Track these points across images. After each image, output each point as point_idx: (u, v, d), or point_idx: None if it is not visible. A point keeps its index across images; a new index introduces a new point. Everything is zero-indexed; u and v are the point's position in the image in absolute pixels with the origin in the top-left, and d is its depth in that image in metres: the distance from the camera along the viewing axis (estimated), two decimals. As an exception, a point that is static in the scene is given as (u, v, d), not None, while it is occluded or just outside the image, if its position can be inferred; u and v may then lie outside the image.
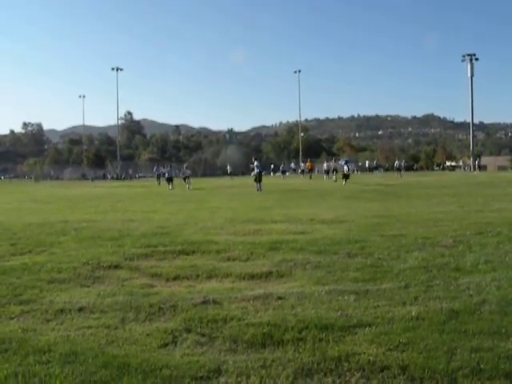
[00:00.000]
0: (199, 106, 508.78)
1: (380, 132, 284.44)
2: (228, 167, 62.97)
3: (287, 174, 62.50)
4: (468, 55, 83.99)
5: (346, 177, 36.92)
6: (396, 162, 58.62)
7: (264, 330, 4.69)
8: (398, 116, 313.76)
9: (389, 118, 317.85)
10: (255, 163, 29.92)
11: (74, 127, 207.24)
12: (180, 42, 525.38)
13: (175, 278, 6.96)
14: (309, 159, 62.88)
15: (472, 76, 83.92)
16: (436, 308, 5.30)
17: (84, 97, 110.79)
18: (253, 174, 33.44)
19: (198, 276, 7.06)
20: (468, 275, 6.74)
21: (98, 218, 14.82)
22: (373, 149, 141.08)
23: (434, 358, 4.01)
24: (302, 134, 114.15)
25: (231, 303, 5.65)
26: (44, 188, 49.36)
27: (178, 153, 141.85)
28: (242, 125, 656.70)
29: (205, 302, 5.64)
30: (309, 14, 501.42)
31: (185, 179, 38.78)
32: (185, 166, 43.60)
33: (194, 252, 8.82)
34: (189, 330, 4.78)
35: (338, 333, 4.64)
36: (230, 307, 5.50)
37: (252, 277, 6.94)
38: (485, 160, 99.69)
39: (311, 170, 58.39)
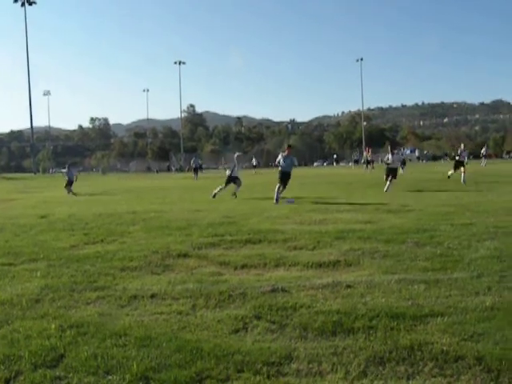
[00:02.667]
0: (261, 97, 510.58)
1: (445, 120, 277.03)
2: (253, 160, 61.53)
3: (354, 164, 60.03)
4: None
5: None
6: (483, 148, 54.19)
7: (334, 318, 4.68)
8: (465, 103, 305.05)
9: (455, 105, 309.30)
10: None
11: (139, 121, 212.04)
12: (241, 34, 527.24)
13: (243, 267, 7.03)
14: (367, 148, 58.50)
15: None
16: (511, 298, 5.14)
17: (148, 91, 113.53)
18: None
19: (265, 264, 7.10)
20: (545, 265, 6.50)
21: (166, 209, 15.12)
22: (438, 137, 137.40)
23: (511, 349, 3.90)
24: (365, 124, 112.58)
25: (300, 291, 5.66)
26: (111, 180, 50.85)
27: (240, 144, 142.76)
28: (304, 115, 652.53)
29: (274, 290, 5.67)
30: (368, 2, 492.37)
31: (195, 170, 39.09)
32: (195, 157, 43.85)
33: (260, 241, 8.88)
34: (259, 317, 4.82)
35: (410, 322, 4.57)
36: (298, 295, 5.51)
37: (319, 265, 6.93)
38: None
39: (368, 161, 50.56)
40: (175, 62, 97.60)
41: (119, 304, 5.42)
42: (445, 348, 3.97)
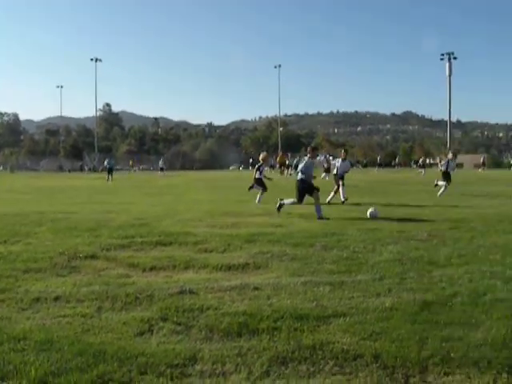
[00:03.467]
0: (178, 99, 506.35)
1: (359, 128, 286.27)
2: (160, 162, 59.22)
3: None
4: (446, 54, 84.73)
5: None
6: (421, 158, 56.86)
7: (240, 320, 4.72)
8: (377, 113, 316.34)
9: (368, 115, 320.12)
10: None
11: (52, 118, 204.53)
12: (159, 35, 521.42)
13: (152, 269, 6.96)
14: (280, 152, 58.30)
15: (450, 75, 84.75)
16: (409, 299, 5.39)
17: (62, 87, 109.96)
18: None
19: (174, 267, 7.07)
20: (441, 268, 6.86)
21: (75, 210, 14.71)
22: (351, 145, 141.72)
23: (405, 347, 4.08)
24: (281, 129, 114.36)
25: (207, 293, 5.68)
26: (19, 179, 48.82)
27: (156, 145, 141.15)
28: (222, 119, 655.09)
29: (181, 292, 5.66)
30: (289, 9, 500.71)
31: (109, 171, 38.70)
32: (109, 157, 43.41)
33: (171, 243, 8.83)
34: (165, 319, 4.79)
35: (313, 322, 4.69)
36: (206, 297, 5.53)
37: (229, 268, 6.98)
38: (462, 158, 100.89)
39: (283, 165, 50.35)
40: (91, 59, 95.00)
41: (20, 307, 5.22)
42: (345, 347, 4.10)
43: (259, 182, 17.99)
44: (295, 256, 7.65)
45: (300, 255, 7.71)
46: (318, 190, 12.91)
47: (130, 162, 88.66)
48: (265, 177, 18.06)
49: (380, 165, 58.33)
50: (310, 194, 12.87)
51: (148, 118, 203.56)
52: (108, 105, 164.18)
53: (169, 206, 15.80)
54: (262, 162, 18.61)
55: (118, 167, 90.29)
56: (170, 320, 4.78)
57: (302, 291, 5.73)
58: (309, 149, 13.78)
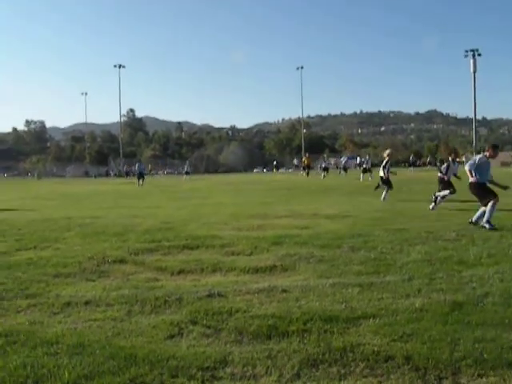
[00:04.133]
0: (202, 103, 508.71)
1: (382, 128, 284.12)
2: (186, 166, 59.46)
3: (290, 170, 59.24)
4: (471, 50, 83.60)
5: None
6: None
7: (269, 322, 4.72)
8: (401, 112, 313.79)
9: (391, 115, 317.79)
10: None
11: (77, 125, 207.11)
12: (182, 40, 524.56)
13: (180, 272, 7.00)
14: (306, 154, 57.99)
15: (475, 71, 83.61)
16: (439, 300, 5.33)
17: (86, 94, 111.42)
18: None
19: (202, 270, 7.10)
20: (471, 268, 6.78)
21: (102, 214, 14.87)
22: (375, 145, 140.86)
23: (437, 348, 4.04)
24: (305, 131, 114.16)
25: (236, 296, 5.69)
26: (47, 185, 49.48)
27: (180, 150, 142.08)
28: (245, 122, 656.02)
29: (210, 295, 5.68)
30: (310, 10, 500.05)
31: (139, 176, 38.34)
32: (138, 161, 43.08)
33: (198, 247, 8.87)
34: (195, 322, 4.81)
35: (343, 324, 4.67)
36: (234, 300, 5.54)
37: (256, 270, 6.98)
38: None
39: (308, 167, 51.49)
40: (115, 66, 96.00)
41: (52, 311, 5.29)
42: (375, 349, 4.08)
43: (385, 181, 17.92)
44: (322, 258, 7.62)
45: (327, 257, 7.68)
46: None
47: (149, 166, 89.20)
48: (391, 173, 17.96)
49: (414, 164, 58.84)
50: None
51: (171, 123, 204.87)
52: (132, 110, 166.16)
53: (194, 210, 15.88)
54: (387, 158, 18.35)
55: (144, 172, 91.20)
56: (199, 323, 4.80)
57: (331, 293, 5.70)
58: (487, 147, 11.53)
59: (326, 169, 45.47)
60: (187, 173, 56.51)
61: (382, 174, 18.05)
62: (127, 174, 71.14)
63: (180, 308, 5.28)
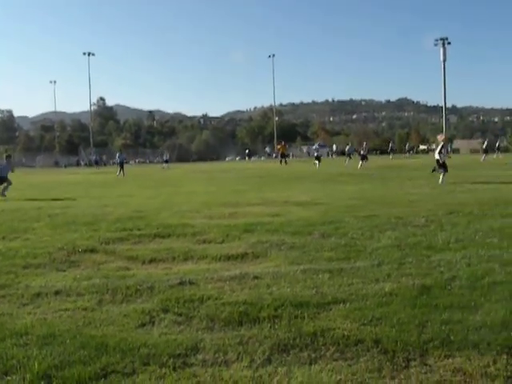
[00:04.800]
0: (173, 91, 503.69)
1: (354, 116, 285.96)
2: (164, 155, 59.47)
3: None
4: (440, 39, 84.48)
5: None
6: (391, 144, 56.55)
7: (240, 309, 4.75)
8: (372, 100, 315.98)
9: (363, 103, 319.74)
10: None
11: (46, 114, 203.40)
12: (151, 26, 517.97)
13: (151, 261, 6.98)
14: (282, 142, 55.83)
15: (444, 60, 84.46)
16: (408, 284, 5.42)
17: (55, 82, 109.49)
18: None
19: (173, 258, 7.10)
20: (439, 253, 6.90)
21: (73, 204, 14.72)
22: (347, 133, 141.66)
23: (405, 331, 4.11)
24: (277, 119, 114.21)
25: (207, 283, 5.70)
26: (16, 175, 48.65)
27: (152, 138, 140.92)
28: (217, 110, 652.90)
29: (181, 283, 5.68)
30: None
31: (120, 165, 36.49)
32: (119, 151, 41.57)
33: (169, 235, 8.86)
34: (166, 310, 4.81)
35: (313, 310, 4.72)
36: (206, 287, 5.55)
37: (228, 258, 7.00)
38: (458, 143, 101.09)
39: (283, 155, 49.28)
40: (84, 53, 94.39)
41: (21, 302, 5.23)
42: (346, 333, 4.13)
43: (441, 164, 18.40)
44: (294, 244, 7.68)
45: (298, 244, 7.74)
46: None
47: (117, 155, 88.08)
48: (448, 156, 18.47)
49: (392, 150, 59.10)
50: None
51: (143, 111, 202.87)
52: (102, 99, 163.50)
53: (166, 199, 15.81)
54: (442, 143, 19.07)
55: (114, 161, 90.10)
56: (170, 311, 4.80)
57: (302, 279, 5.76)
58: None
59: (318, 158, 40.97)
60: (166, 161, 56.61)
61: (437, 157, 18.84)
62: (97, 163, 70.11)
63: (151, 296, 5.28)
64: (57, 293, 5.50)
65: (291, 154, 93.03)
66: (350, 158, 44.12)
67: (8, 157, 21.29)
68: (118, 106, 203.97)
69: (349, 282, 5.57)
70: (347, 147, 49.91)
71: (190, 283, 5.71)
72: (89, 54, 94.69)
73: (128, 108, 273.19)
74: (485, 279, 5.57)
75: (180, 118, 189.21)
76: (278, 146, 53.87)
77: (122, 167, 35.92)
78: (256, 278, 5.88)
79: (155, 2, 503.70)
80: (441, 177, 18.38)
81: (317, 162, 38.12)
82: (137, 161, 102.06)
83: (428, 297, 4.98)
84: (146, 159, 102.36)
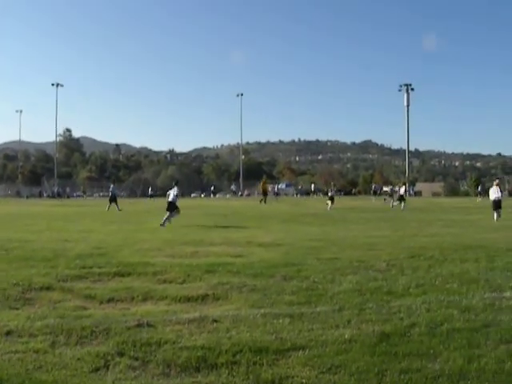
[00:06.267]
0: (140, 125, 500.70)
1: (320, 156, 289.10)
2: (150, 189, 61.04)
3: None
4: (404, 85, 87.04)
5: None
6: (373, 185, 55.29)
7: (198, 354, 4.66)
8: (338, 141, 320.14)
9: (329, 143, 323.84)
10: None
11: (10, 143, 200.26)
12: (120, 60, 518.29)
13: (109, 301, 6.84)
14: (263, 179, 55.13)
15: (408, 105, 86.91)
16: (368, 331, 5.41)
17: (21, 112, 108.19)
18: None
19: (132, 298, 6.97)
20: (400, 298, 6.94)
21: (32, 238, 14.39)
22: (312, 173, 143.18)
23: (364, 380, 4.09)
24: (243, 157, 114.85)
25: (166, 326, 5.59)
26: (-25, 205, 47.49)
27: (117, 172, 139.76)
28: (184, 146, 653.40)
29: (139, 325, 5.56)
30: (251, 33, 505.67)
31: (112, 199, 34.69)
32: (112, 184, 39.24)
33: (129, 274, 8.72)
34: (122, 354, 4.69)
35: (272, 356, 4.66)
36: (164, 330, 5.44)
37: (188, 299, 6.91)
38: (420, 186, 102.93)
39: (265, 192, 46.64)
40: (52, 84, 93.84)
41: (-31, 342, 5.03)
42: (304, 381, 4.09)
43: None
44: (255, 287, 7.62)
45: (260, 286, 7.68)
46: None
47: (82, 188, 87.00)
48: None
49: (375, 192, 60.55)
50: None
51: (109, 144, 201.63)
52: (68, 130, 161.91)
53: (128, 235, 15.59)
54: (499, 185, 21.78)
55: (78, 193, 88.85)
56: (126, 355, 4.67)
57: (262, 323, 5.69)
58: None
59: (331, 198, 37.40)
60: (151, 196, 58.00)
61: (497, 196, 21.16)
62: (59, 195, 68.84)
63: (107, 339, 5.14)
64: (8, 333, 5.31)
65: (256, 192, 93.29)
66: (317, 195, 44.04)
67: None
68: (84, 138, 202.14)
69: (309, 328, 5.53)
70: (312, 187, 50.23)
71: (148, 325, 5.59)
72: (57, 85, 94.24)
73: (94, 140, 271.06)
74: (444, 326, 5.61)
75: (146, 153, 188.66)
76: (261, 184, 53.68)
77: (115, 200, 33.66)
78: (215, 321, 5.79)
79: (126, 36, 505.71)
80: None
81: (329, 202, 34.37)
82: (101, 194, 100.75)
83: (387, 344, 4.98)
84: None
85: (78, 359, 4.55)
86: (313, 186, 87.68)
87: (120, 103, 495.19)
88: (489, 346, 4.95)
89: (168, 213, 19.46)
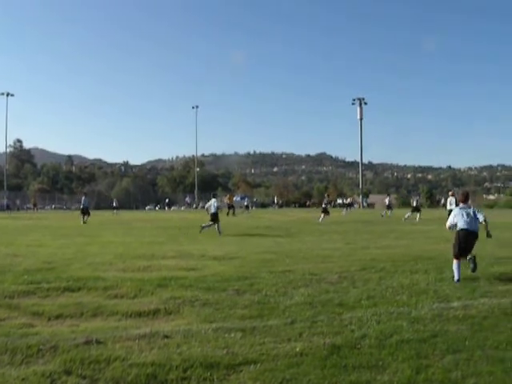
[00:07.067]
0: (94, 137, 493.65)
1: (275, 169, 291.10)
2: (114, 201, 60.61)
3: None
4: (358, 99, 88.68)
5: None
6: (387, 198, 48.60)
7: (148, 371, 4.60)
8: (293, 154, 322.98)
9: (284, 156, 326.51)
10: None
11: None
12: (72, 71, 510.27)
13: (58, 317, 6.67)
14: (231, 193, 56.20)
15: (361, 118, 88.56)
16: (319, 344, 5.45)
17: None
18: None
19: (82, 314, 6.82)
20: (351, 310, 7.01)
21: (-22, 253, 13.94)
22: (267, 185, 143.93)
23: (315, 394, 4.11)
24: (198, 169, 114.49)
25: (115, 343, 5.49)
26: None
27: (70, 184, 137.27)
28: (138, 158, 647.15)
29: (87, 342, 5.44)
30: (207, 46, 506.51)
31: (84, 211, 33.95)
32: (84, 196, 38.24)
33: (79, 289, 8.53)
34: (69, 373, 4.58)
35: (223, 371, 4.64)
36: (113, 347, 5.34)
37: (139, 315, 6.81)
38: (373, 198, 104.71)
39: (231, 206, 46.63)
40: (2, 93, 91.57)
41: None
42: (254, 396, 4.07)
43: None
44: (207, 301, 7.58)
45: (212, 300, 7.65)
46: None
47: (32, 200, 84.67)
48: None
49: (350, 205, 61.79)
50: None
51: (62, 156, 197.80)
52: (19, 141, 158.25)
53: (79, 249, 15.28)
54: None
55: (29, 206, 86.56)
56: (74, 373, 4.57)
57: (213, 338, 5.66)
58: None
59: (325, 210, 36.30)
60: (116, 208, 57.27)
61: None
62: (8, 207, 66.90)
63: (54, 357, 5.01)
64: (-51, 353, 5.12)
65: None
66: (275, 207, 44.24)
67: None
68: (35, 149, 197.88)
69: (261, 342, 5.53)
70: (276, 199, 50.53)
71: (97, 342, 5.47)
72: (7, 95, 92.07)
73: (46, 152, 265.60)
74: (393, 337, 5.69)
75: (100, 165, 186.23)
76: (226, 197, 53.91)
77: (87, 212, 32.79)
78: (166, 336, 5.73)
79: (78, 48, 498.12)
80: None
81: (322, 214, 33.44)
82: (53, 206, 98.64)
83: (338, 356, 5.02)
84: (63, 205, 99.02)
85: (23, 379, 4.42)
86: (276, 198, 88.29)
87: (72, 115, 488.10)
88: (436, 356, 5.05)
89: (211, 222, 21.67)
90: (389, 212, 40.39)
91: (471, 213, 10.04)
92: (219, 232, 21.13)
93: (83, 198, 34.29)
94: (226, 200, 52.41)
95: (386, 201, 38.07)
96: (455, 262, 9.70)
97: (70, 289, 8.53)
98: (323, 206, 34.38)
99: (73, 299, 7.77)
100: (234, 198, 57.78)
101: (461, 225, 9.97)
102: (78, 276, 9.70)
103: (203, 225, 21.97)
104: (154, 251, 14.32)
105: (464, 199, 10.57)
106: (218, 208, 22.11)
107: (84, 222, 31.85)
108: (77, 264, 11.51)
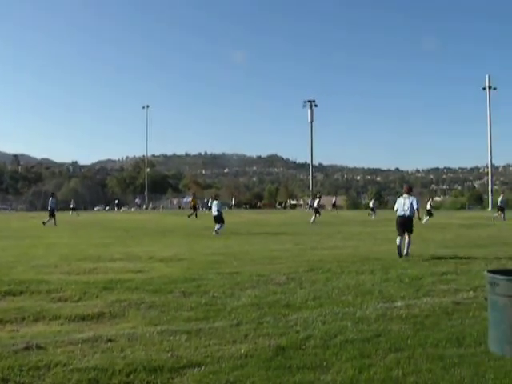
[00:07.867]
0: (41, 136, 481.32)
1: (226, 170, 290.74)
2: (72, 202, 59.56)
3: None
4: (308, 101, 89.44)
5: None
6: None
7: (90, 376, 4.51)
8: (244, 155, 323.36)
9: (235, 157, 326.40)
10: None
11: None
12: (16, 69, 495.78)
13: (-3, 322, 6.48)
14: (193, 195, 52.67)
15: (312, 121, 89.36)
16: (264, 345, 5.46)
17: None
18: None
19: (23, 319, 6.64)
20: (297, 311, 7.06)
21: None
22: (218, 186, 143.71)
23: (257, 396, 4.11)
24: (148, 170, 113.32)
25: (57, 348, 5.36)
26: None
27: (15, 184, 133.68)
28: (88, 158, 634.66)
29: (27, 348, 5.29)
30: (155, 47, 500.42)
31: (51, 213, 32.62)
32: (52, 197, 36.77)
33: (21, 292, 8.32)
34: (6, 380, 4.44)
35: (167, 374, 4.60)
36: (55, 352, 5.21)
37: (83, 318, 6.69)
38: (323, 199, 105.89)
39: (195, 207, 44.87)
40: None
41: None
42: (198, 399, 4.05)
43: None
44: (153, 304, 7.51)
45: (158, 303, 7.58)
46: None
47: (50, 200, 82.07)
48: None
49: (334, 205, 62.51)
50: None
51: (7, 155, 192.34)
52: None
53: (23, 251, 14.90)
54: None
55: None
56: (11, 381, 4.43)
57: (158, 341, 5.61)
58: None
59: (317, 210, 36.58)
60: (74, 209, 56.57)
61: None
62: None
63: (-9, 364, 4.85)
64: None
65: (161, 206, 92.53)
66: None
67: None
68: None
69: (206, 344, 5.51)
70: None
71: (38, 348, 5.33)
72: None
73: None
74: (338, 337, 5.76)
75: (48, 164, 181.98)
76: (190, 199, 53.15)
77: (53, 214, 31.59)
78: (110, 340, 5.63)
79: (25, 47, 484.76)
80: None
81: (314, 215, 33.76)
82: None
83: (283, 357, 5.05)
84: (9, 206, 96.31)
85: (-43, 388, 4.28)
86: (233, 199, 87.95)
87: (17, 113, 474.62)
88: (379, 356, 5.14)
89: (218, 225, 22.18)
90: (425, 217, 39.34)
91: (408, 202, 13.56)
92: (216, 232, 21.65)
93: (50, 199, 33.18)
94: (190, 201, 51.85)
95: (428, 205, 38.21)
96: (397, 238, 13.35)
97: (12, 292, 8.31)
98: (315, 206, 35.14)
99: (14, 303, 7.57)
100: (184, 199, 57.45)
101: (398, 212, 13.78)
102: (20, 279, 9.45)
103: (216, 229, 22.07)
104: (101, 253, 14.10)
105: (408, 191, 13.98)
106: (218, 211, 22.41)
107: (44, 223, 30.85)
108: (20, 267, 11.22)
